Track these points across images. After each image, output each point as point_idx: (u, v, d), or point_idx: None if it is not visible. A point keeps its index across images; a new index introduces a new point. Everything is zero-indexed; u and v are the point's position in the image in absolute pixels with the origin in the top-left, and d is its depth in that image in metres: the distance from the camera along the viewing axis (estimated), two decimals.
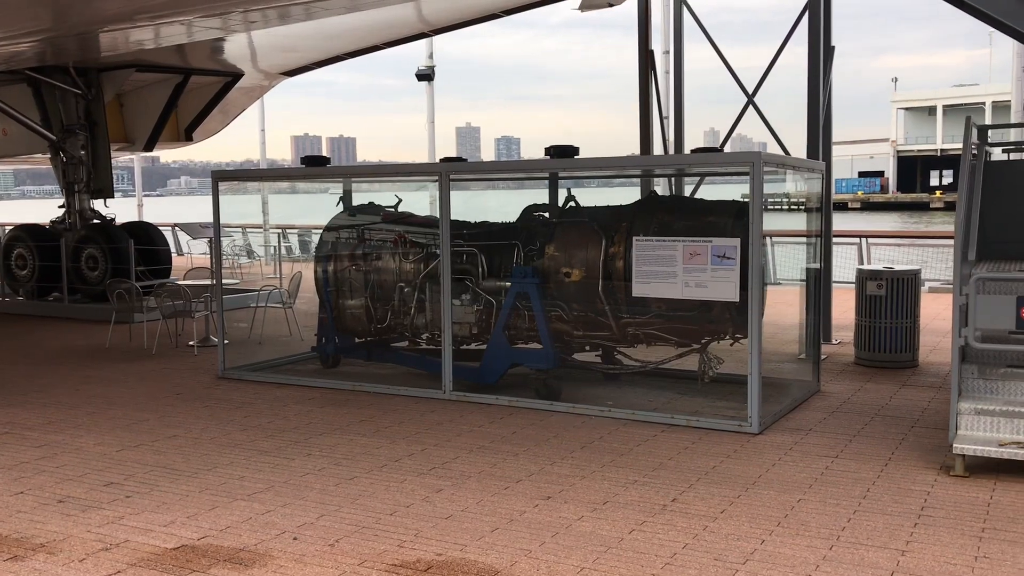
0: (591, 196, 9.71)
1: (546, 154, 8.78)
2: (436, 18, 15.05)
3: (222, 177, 10.28)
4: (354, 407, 8.52)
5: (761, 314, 7.45)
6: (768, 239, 16.89)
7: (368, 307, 9.97)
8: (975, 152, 8.13)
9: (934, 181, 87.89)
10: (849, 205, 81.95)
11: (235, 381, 9.90)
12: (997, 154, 10.38)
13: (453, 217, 8.93)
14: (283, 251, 24.48)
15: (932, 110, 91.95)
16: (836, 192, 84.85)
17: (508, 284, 8.95)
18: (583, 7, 8.51)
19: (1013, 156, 10.40)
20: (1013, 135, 17.00)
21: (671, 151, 13.76)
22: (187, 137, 18.30)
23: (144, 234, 16.89)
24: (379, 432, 7.54)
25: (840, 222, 27.73)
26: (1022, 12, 11.07)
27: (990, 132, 9.43)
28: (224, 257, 18.68)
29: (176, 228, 25.96)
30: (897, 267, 10.54)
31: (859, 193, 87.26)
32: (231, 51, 15.68)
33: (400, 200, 10.32)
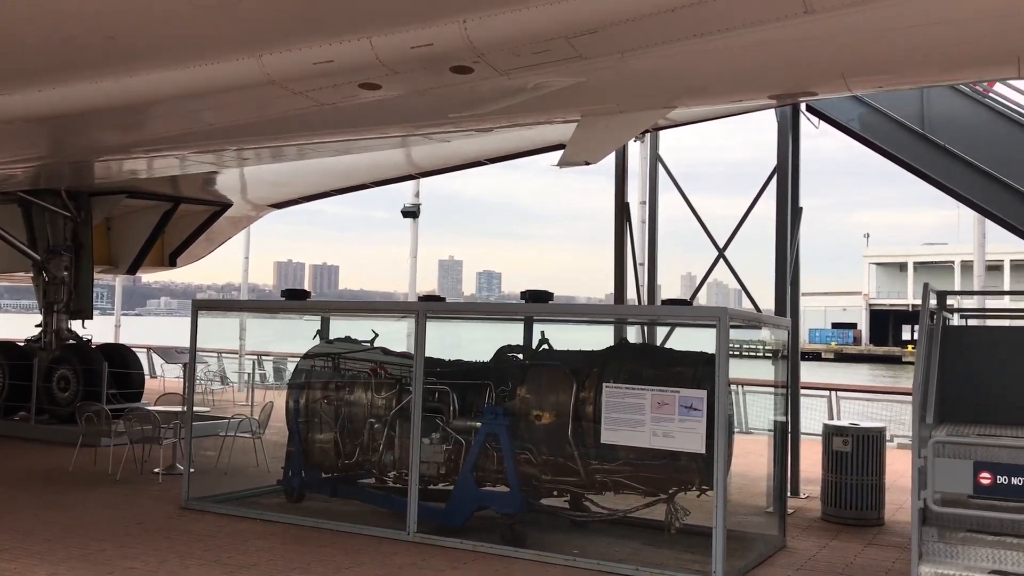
0: (566, 332, 9.92)
1: (522, 297, 9.03)
2: (425, 162, 15.63)
3: (202, 307, 10.44)
4: (315, 545, 8.40)
5: (727, 467, 7.53)
6: (738, 388, 17.12)
7: (337, 442, 9.97)
8: (935, 314, 8.45)
9: (906, 335, 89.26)
10: (823, 355, 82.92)
11: (198, 512, 9.75)
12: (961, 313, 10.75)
13: (428, 351, 9.08)
14: (257, 378, 24.38)
15: (903, 266, 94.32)
16: (809, 342, 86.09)
17: (478, 424, 9.02)
18: (561, 164, 8.94)
19: (971, 322, 10.77)
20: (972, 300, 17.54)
21: (644, 297, 14.07)
22: (171, 262, 18.54)
23: (119, 357, 16.87)
24: (338, 573, 7.43)
25: (812, 373, 28.09)
26: (979, 185, 11.71)
27: (951, 295, 9.80)
28: (197, 382, 18.59)
29: (152, 351, 25.90)
30: (863, 424, 10.70)
31: (832, 344, 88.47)
32: (222, 182, 16.13)
33: (376, 335, 10.48)
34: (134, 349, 19.22)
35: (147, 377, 19.34)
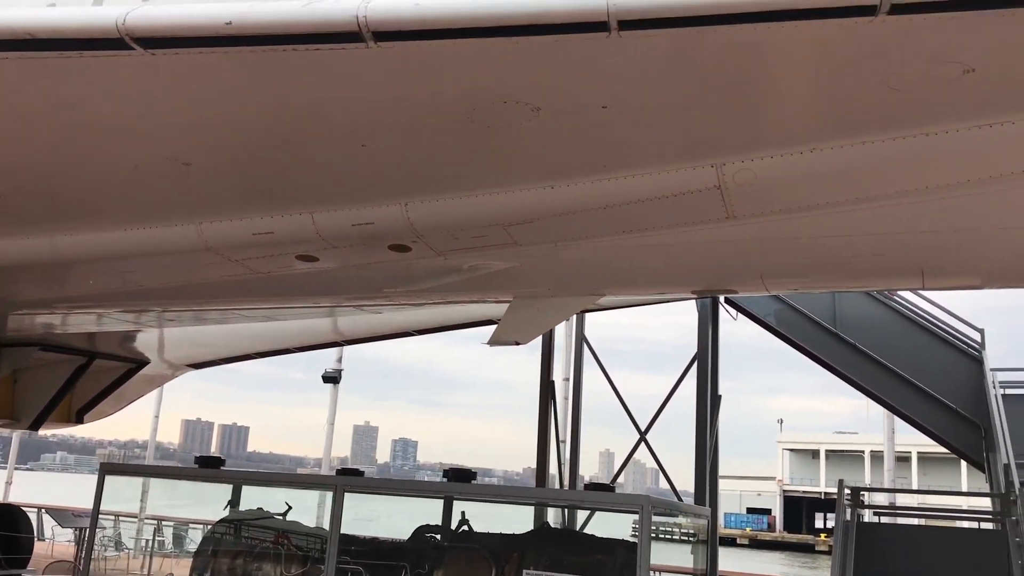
0: (486, 508, 9.72)
1: (444, 475, 8.92)
2: (352, 331, 15.65)
3: (110, 470, 10.01)
4: None
5: None
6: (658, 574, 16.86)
7: None
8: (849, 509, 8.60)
9: (819, 523, 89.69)
10: (737, 541, 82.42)
11: None
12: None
13: (343, 521, 8.80)
14: (156, 545, 23.03)
15: (816, 453, 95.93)
16: (725, 527, 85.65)
17: None
18: (492, 343, 9.10)
19: (884, 519, 10.97)
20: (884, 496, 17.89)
21: (566, 473, 14.03)
22: (77, 419, 17.82)
23: (9, 518, 15.87)
24: None
25: (728, 559, 27.82)
26: (886, 382, 12.23)
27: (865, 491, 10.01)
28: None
29: (43, 511, 24.38)
30: None
31: (747, 529, 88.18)
32: (141, 339, 15.81)
33: (290, 507, 10.13)
34: (24, 508, 18.12)
35: (36, 540, 18.12)
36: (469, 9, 4.88)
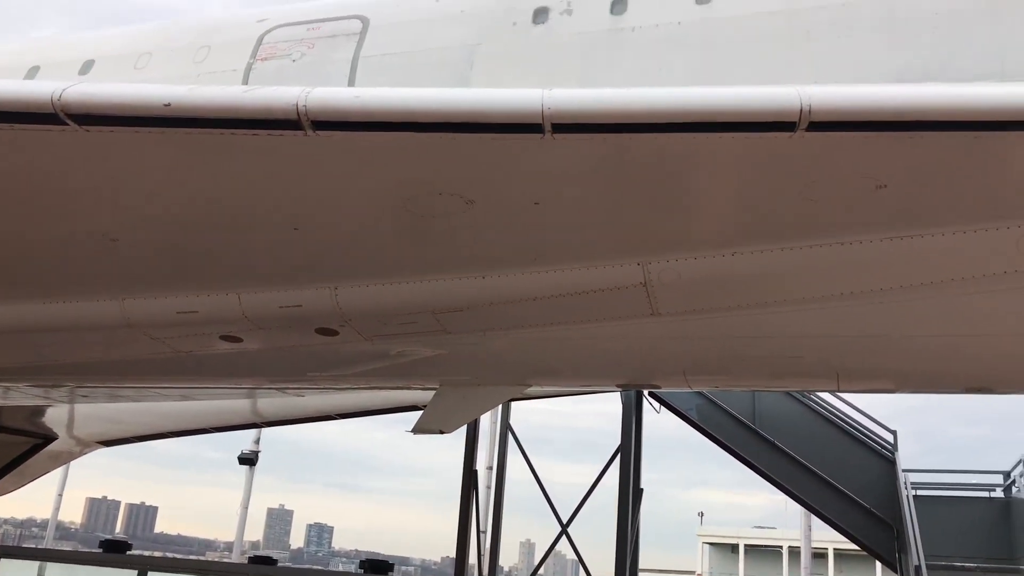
0: None
1: (360, 567, 8.70)
2: (272, 412, 15.33)
3: (6, 553, 9.51)
4: None
5: None
6: None
7: None
8: None
9: None
10: None
11: None
12: None
13: None
14: None
15: (735, 547, 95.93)
16: None
17: None
18: (415, 431, 9.02)
19: None
20: None
21: (485, 564, 13.83)
22: None
23: None
24: None
25: None
26: (803, 480, 12.45)
27: None
28: None
29: None
30: None
31: None
32: (50, 414, 15.21)
33: None
34: None
35: None
36: (409, 104, 5.01)
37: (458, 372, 8.46)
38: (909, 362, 6.90)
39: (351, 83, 7.62)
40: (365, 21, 7.89)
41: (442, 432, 9.06)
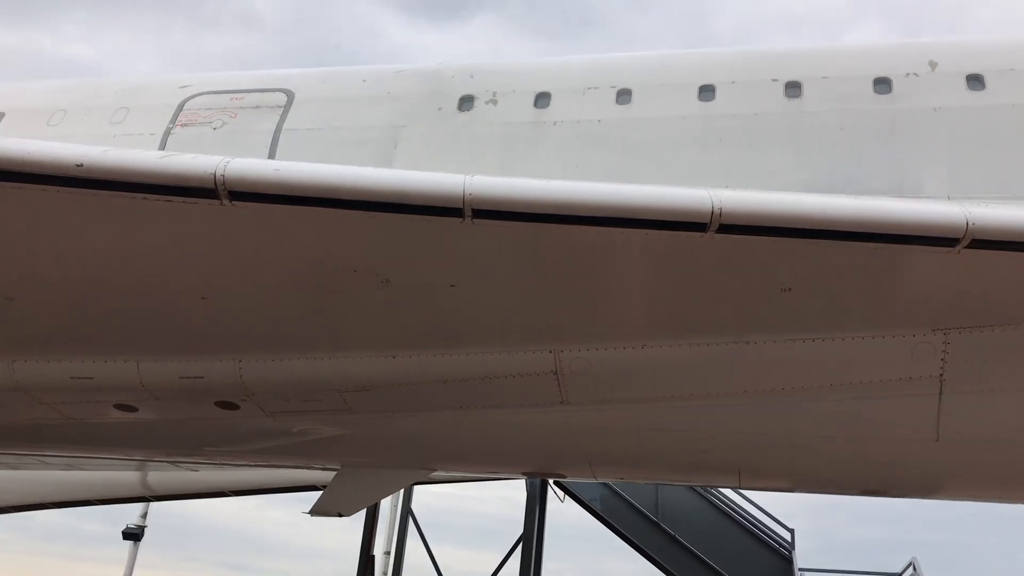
0: None
1: None
2: (160, 487, 14.68)
3: None
4: None
5: None
6: None
7: None
8: None
9: None
10: None
11: None
12: None
13: None
14: None
15: None
16: None
17: None
18: (313, 513, 8.75)
19: None
20: None
21: None
22: None
23: None
24: None
25: None
26: (702, 574, 12.47)
27: None
28: None
29: None
30: None
31: None
32: None
33: None
34: None
35: None
36: (330, 180, 5.01)
37: (361, 453, 8.27)
38: (807, 462, 7.05)
39: (272, 155, 7.58)
40: (290, 95, 7.91)
41: (341, 515, 8.80)
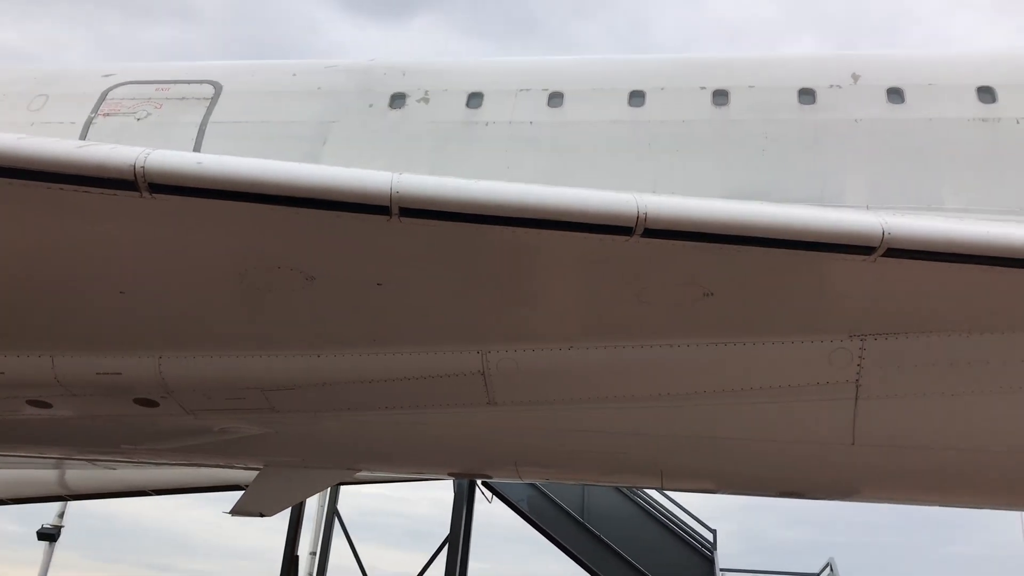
0: None
1: None
2: (78, 485, 14.26)
3: None
4: None
5: None
6: None
7: None
8: None
9: None
10: None
11: None
12: None
13: None
14: None
15: None
16: None
17: None
18: (234, 513, 8.59)
19: None
20: None
21: None
22: None
23: None
24: None
25: None
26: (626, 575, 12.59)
27: None
28: None
29: None
30: None
31: None
32: None
33: None
34: None
35: None
36: (254, 174, 4.92)
37: (285, 453, 8.16)
38: (727, 464, 7.17)
39: (198, 148, 7.43)
40: (218, 87, 7.76)
41: (263, 515, 8.66)
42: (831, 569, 13.67)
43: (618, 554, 12.69)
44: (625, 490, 13.15)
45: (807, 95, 6.91)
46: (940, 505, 8.36)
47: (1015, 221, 6.27)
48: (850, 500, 8.18)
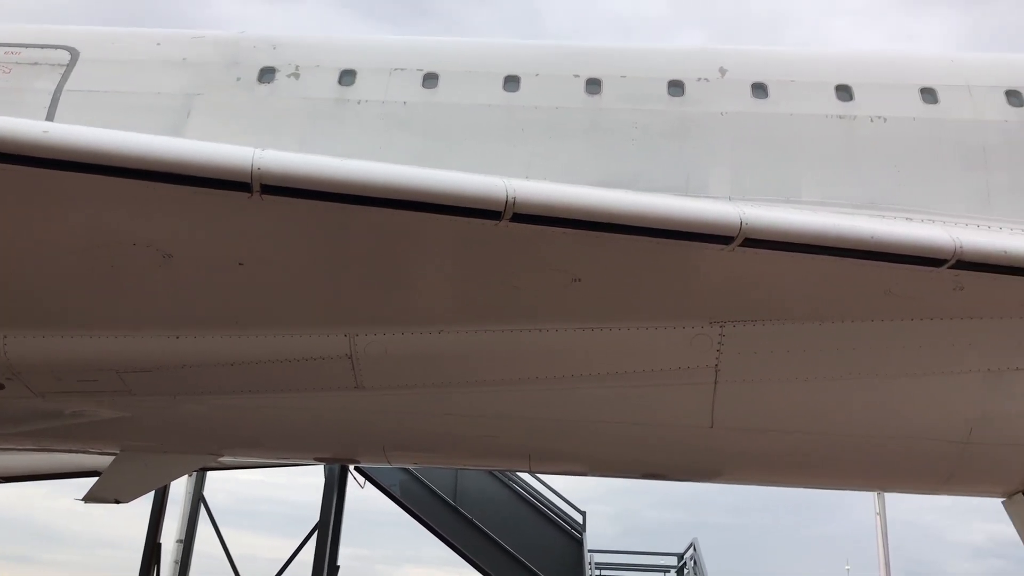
0: None
1: None
2: None
3: None
4: None
5: None
6: None
7: None
8: None
9: None
10: None
11: None
12: None
13: None
14: None
15: None
16: None
17: None
18: (87, 499, 8.22)
19: None
20: None
21: None
22: None
23: None
24: None
25: None
26: (502, 563, 12.69)
27: None
28: None
29: None
30: None
31: None
32: None
33: None
34: None
35: None
36: (103, 145, 4.69)
37: (142, 437, 7.83)
38: (593, 447, 7.28)
39: (51, 117, 7.02)
40: (75, 53, 7.35)
41: (118, 502, 8.30)
42: (694, 548, 14.15)
43: (490, 537, 12.78)
44: (498, 474, 13.23)
45: (676, 87, 7.06)
46: (797, 487, 8.74)
47: (866, 214, 6.58)
48: (712, 482, 8.45)
